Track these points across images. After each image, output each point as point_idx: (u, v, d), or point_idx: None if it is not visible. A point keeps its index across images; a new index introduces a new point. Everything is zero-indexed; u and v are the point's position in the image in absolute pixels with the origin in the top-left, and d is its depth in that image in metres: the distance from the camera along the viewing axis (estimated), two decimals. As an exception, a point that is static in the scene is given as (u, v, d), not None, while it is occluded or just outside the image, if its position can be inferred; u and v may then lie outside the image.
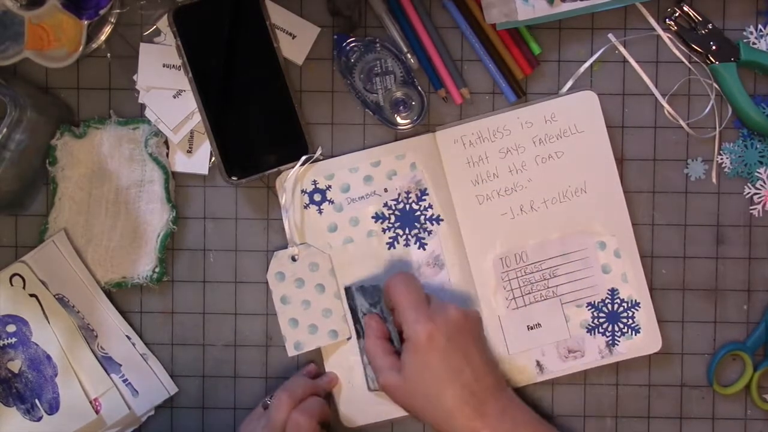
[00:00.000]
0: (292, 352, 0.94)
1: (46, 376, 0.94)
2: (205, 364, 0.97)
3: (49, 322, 0.94)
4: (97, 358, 0.94)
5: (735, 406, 0.96)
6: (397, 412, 0.93)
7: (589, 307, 0.94)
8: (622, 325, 0.94)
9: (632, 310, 0.94)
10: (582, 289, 0.94)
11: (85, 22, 0.89)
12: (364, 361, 0.93)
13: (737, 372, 0.96)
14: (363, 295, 0.92)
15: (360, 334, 0.93)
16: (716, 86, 0.94)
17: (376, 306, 0.92)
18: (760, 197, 0.95)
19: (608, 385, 0.96)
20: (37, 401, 0.94)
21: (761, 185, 0.95)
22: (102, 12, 0.89)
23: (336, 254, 0.94)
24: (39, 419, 0.94)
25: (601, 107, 0.94)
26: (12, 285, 0.94)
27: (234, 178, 0.93)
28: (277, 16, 0.94)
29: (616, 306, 0.94)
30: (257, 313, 0.96)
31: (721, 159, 0.95)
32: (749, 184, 0.95)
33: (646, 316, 0.94)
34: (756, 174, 0.95)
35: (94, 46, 0.94)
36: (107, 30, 0.94)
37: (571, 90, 0.95)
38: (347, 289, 0.93)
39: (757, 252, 0.96)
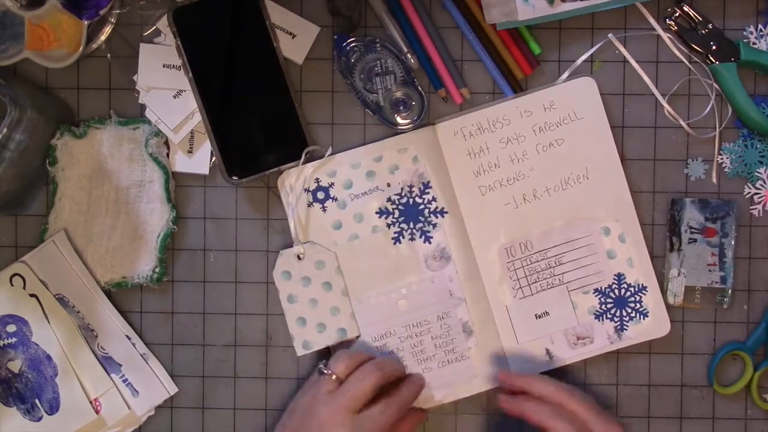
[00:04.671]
0: (300, 351, 0.94)
1: (46, 376, 0.94)
2: (205, 364, 0.96)
3: (49, 322, 0.94)
4: (97, 358, 0.94)
5: (735, 406, 0.96)
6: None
7: (596, 293, 0.94)
8: (629, 310, 0.94)
9: (639, 294, 0.94)
10: (588, 275, 0.94)
11: (85, 22, 0.89)
12: None
13: (737, 372, 0.96)
14: None
15: None
16: (716, 86, 0.94)
17: None
18: (760, 197, 0.95)
19: (608, 385, 0.96)
20: (37, 401, 0.94)
21: (761, 185, 0.95)
22: (102, 12, 0.89)
23: (341, 251, 0.94)
24: (39, 419, 0.94)
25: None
26: (12, 285, 0.94)
27: (235, 177, 0.93)
28: (277, 15, 0.94)
29: (623, 291, 0.94)
30: (257, 313, 0.96)
31: (721, 159, 0.95)
32: (749, 184, 0.95)
33: (653, 300, 0.94)
34: (756, 174, 0.95)
35: (94, 46, 0.94)
36: (107, 30, 0.94)
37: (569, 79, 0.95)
38: None
39: (757, 252, 0.96)
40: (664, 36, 0.95)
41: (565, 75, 0.95)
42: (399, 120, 0.94)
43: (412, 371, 0.95)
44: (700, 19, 0.94)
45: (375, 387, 0.87)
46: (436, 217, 0.94)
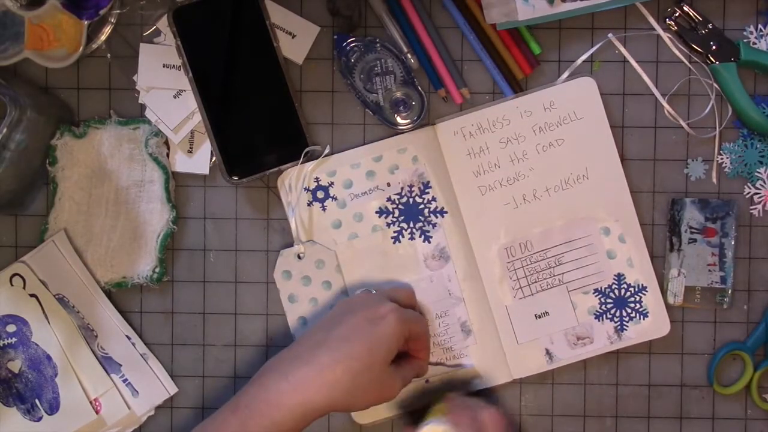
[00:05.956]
0: None
1: (46, 376, 0.94)
2: (205, 364, 0.96)
3: (49, 322, 0.94)
4: (97, 358, 0.94)
5: (735, 406, 0.96)
6: (406, 408, 0.94)
7: (596, 294, 0.94)
8: (629, 310, 0.94)
9: (639, 294, 0.94)
10: (588, 275, 0.94)
11: (85, 22, 0.89)
12: None
13: (737, 372, 0.96)
14: None
15: None
16: (716, 86, 0.94)
17: None
18: (760, 197, 0.95)
19: (608, 385, 0.96)
20: (37, 401, 0.94)
21: (761, 185, 0.95)
22: (102, 12, 0.89)
23: (341, 250, 0.94)
24: (39, 419, 0.94)
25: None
26: (12, 285, 0.94)
27: (235, 177, 0.93)
28: (277, 15, 0.94)
29: (622, 291, 0.94)
30: (257, 313, 0.96)
31: (721, 159, 0.95)
32: (749, 184, 0.95)
33: (653, 300, 0.94)
34: (756, 174, 0.95)
35: (94, 46, 0.94)
36: (107, 30, 0.94)
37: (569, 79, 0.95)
38: None
39: (757, 252, 0.96)
40: (664, 36, 0.95)
41: (565, 75, 0.95)
42: (399, 120, 0.94)
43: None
44: (700, 19, 0.94)
45: (408, 298, 0.92)
46: (436, 217, 0.94)
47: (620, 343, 0.94)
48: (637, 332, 0.94)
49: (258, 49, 0.93)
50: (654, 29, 0.95)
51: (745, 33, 0.95)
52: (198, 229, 0.96)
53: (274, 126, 0.94)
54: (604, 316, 0.94)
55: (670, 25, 0.95)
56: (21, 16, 0.89)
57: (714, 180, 0.95)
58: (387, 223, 0.95)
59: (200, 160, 0.95)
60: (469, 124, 0.94)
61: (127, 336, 0.95)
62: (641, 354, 0.96)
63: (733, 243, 0.93)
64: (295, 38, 0.94)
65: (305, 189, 0.94)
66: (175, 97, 0.94)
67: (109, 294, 0.96)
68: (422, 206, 0.94)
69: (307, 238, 0.94)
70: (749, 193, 0.95)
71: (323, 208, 0.94)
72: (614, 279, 0.94)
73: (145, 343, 0.96)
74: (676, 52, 0.95)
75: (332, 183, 0.94)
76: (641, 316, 0.94)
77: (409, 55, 0.94)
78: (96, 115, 0.96)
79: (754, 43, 0.94)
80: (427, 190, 0.94)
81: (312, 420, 0.82)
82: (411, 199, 0.94)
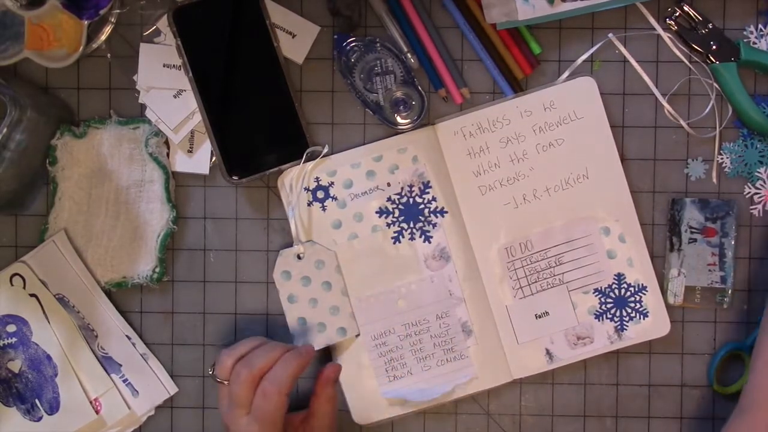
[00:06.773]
0: None
1: (46, 376, 0.94)
2: (205, 364, 0.96)
3: (49, 322, 0.94)
4: (97, 358, 0.94)
5: (735, 406, 0.96)
6: (406, 409, 0.94)
7: (596, 293, 0.94)
8: (629, 310, 0.94)
9: (639, 294, 0.94)
10: (588, 275, 0.94)
11: (85, 22, 0.89)
12: None
13: (737, 372, 0.96)
14: None
15: None
16: (716, 86, 0.94)
17: None
18: (760, 197, 0.95)
19: (608, 385, 0.96)
20: (37, 401, 0.94)
21: (761, 185, 0.95)
22: (102, 12, 0.90)
23: (341, 251, 0.94)
24: (39, 419, 0.94)
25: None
26: (12, 285, 0.94)
27: (235, 177, 0.93)
28: (277, 15, 0.94)
29: (623, 291, 0.94)
30: (257, 313, 0.96)
31: (721, 159, 0.95)
32: (749, 184, 0.95)
33: (653, 299, 0.94)
34: (756, 174, 0.95)
35: (94, 46, 0.94)
36: (107, 30, 0.94)
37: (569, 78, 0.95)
38: None
39: (757, 252, 0.96)
40: (664, 36, 0.95)
41: (565, 75, 0.95)
42: (399, 120, 0.94)
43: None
44: (700, 18, 0.94)
45: (249, 386, 0.84)
46: (436, 217, 0.94)
47: (620, 343, 0.94)
48: (637, 332, 0.94)
49: (258, 49, 0.93)
50: (654, 29, 0.95)
51: (745, 33, 0.95)
52: (198, 229, 0.96)
53: (274, 126, 0.94)
54: (604, 315, 0.94)
55: (670, 25, 0.95)
56: (21, 16, 0.89)
57: (714, 180, 0.95)
58: (387, 223, 0.94)
59: (200, 160, 0.95)
60: (469, 124, 0.94)
61: (127, 336, 0.95)
62: (641, 354, 0.96)
63: (733, 243, 0.93)
64: (295, 38, 0.94)
65: (305, 189, 0.94)
66: (175, 97, 0.94)
67: (109, 294, 0.96)
68: (422, 206, 0.94)
69: (307, 238, 0.94)
70: (749, 193, 0.95)
71: (323, 208, 0.94)
72: (614, 279, 0.94)
73: (145, 343, 0.96)
74: (676, 52, 0.95)
75: (332, 183, 0.94)
76: (641, 316, 0.94)
77: (409, 55, 0.94)
78: (96, 115, 0.96)
79: (754, 43, 0.94)
80: (427, 190, 0.94)
81: None
82: (411, 199, 0.94)
